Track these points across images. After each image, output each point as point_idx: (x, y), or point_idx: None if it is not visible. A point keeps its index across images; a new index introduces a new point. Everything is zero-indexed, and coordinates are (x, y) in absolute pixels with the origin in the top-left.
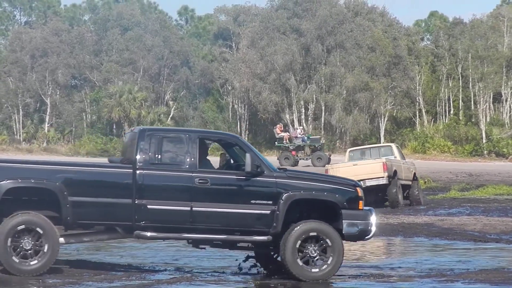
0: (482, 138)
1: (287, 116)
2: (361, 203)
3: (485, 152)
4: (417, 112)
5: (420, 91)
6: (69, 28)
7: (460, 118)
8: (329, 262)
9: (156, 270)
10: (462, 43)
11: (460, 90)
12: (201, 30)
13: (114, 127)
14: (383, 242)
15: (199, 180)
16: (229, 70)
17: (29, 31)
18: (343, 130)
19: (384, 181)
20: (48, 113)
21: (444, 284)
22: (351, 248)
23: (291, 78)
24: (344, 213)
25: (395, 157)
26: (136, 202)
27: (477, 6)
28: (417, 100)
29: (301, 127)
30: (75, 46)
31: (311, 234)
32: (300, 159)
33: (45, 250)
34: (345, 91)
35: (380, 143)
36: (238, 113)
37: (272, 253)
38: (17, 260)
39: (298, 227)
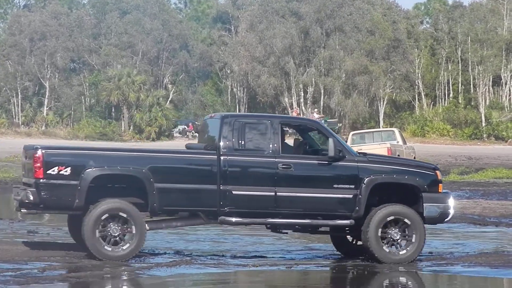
0: (481, 121)
1: (286, 99)
2: (440, 186)
3: (485, 135)
4: (416, 96)
5: (419, 74)
6: (68, 12)
7: (460, 101)
8: (411, 244)
9: (155, 253)
10: (462, 26)
11: (460, 73)
12: (200, 14)
13: (113, 110)
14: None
15: (283, 165)
16: (228, 54)
17: (28, 14)
18: (342, 113)
19: None
20: (47, 96)
21: (444, 267)
22: None
23: (290, 61)
24: (425, 196)
25: (397, 141)
26: (221, 188)
27: None
28: (416, 83)
29: (317, 110)
30: (74, 30)
31: (394, 217)
32: None
33: (133, 236)
34: (344, 75)
35: (379, 126)
36: (237, 96)
37: (348, 236)
38: (105, 246)
39: (381, 211)
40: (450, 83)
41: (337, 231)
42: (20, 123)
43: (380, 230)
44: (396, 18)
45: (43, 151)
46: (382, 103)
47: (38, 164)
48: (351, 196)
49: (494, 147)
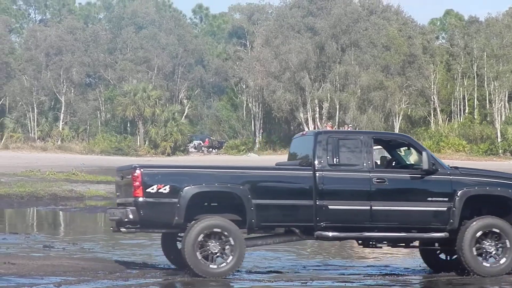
0: (497, 137)
1: (301, 114)
2: None
3: (500, 151)
4: (432, 111)
5: (435, 89)
6: (84, 26)
7: (475, 117)
8: (507, 255)
9: (171, 268)
10: (478, 41)
11: (475, 89)
12: (216, 29)
13: (128, 125)
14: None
15: (377, 179)
16: (244, 69)
17: (44, 29)
18: (357, 128)
19: None
20: (62, 111)
21: (460, 280)
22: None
23: (305, 76)
24: None
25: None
26: (317, 203)
27: (492, 4)
28: (432, 98)
29: (350, 125)
30: (89, 44)
31: (489, 229)
32: None
33: (233, 253)
34: (359, 90)
35: None
36: (252, 111)
37: (437, 251)
38: (205, 263)
39: (476, 223)
40: (466, 98)
41: (428, 245)
42: (36, 137)
43: (475, 242)
44: (412, 34)
45: (142, 170)
46: (397, 118)
47: (137, 183)
48: (445, 209)
49: (510, 163)
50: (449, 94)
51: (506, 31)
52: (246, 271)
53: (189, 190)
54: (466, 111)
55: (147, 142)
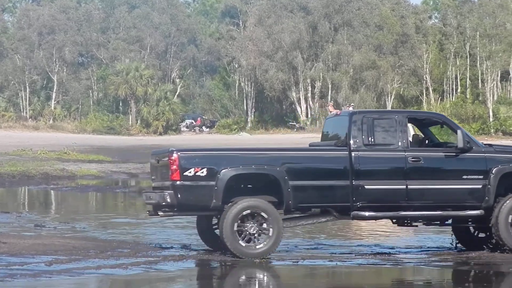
0: (489, 116)
1: (294, 94)
2: None
3: (492, 130)
4: (424, 91)
5: (427, 69)
6: (77, 6)
7: (467, 96)
8: None
9: (162, 247)
10: (470, 21)
11: (468, 68)
12: (208, 8)
13: (121, 104)
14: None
15: (412, 158)
16: (236, 48)
17: (37, 8)
18: (356, 108)
19: None
20: (54, 90)
21: (450, 262)
22: (356, 227)
23: (298, 56)
24: None
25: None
26: (353, 183)
27: None
28: (424, 78)
29: (353, 104)
30: (82, 24)
31: None
32: None
33: (271, 234)
34: (352, 69)
35: None
36: (244, 91)
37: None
38: (243, 244)
39: (509, 201)
40: (458, 78)
41: (462, 223)
42: (28, 116)
43: (510, 220)
44: (405, 13)
45: (179, 153)
46: (389, 98)
47: (175, 167)
48: (480, 186)
49: (501, 142)
50: (442, 73)
51: (499, 11)
52: None
53: (226, 173)
54: (458, 90)
55: (139, 121)
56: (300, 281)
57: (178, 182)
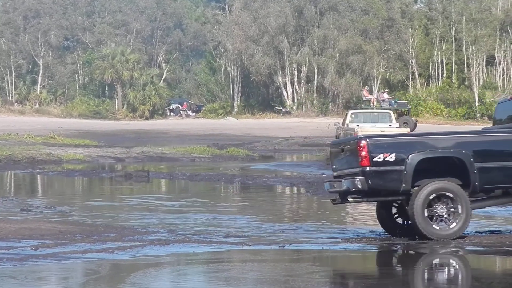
0: (475, 101)
1: (280, 78)
2: None
3: (478, 115)
4: (410, 75)
5: (413, 54)
6: None
7: (453, 81)
8: None
9: (149, 231)
10: (456, 5)
11: (453, 53)
12: None
13: (107, 89)
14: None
15: None
16: (222, 33)
17: None
18: (335, 93)
19: None
20: (40, 74)
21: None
22: (343, 212)
23: (284, 40)
24: None
25: (390, 124)
26: None
27: None
28: (410, 63)
29: (387, 90)
30: (67, 7)
31: None
32: None
33: (461, 213)
34: (338, 54)
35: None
36: (230, 75)
37: None
38: (436, 227)
39: None
40: (444, 62)
41: None
42: (13, 101)
43: None
44: None
45: (368, 140)
46: (375, 82)
47: (364, 153)
48: None
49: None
50: (427, 58)
51: None
52: (224, 235)
53: (414, 157)
54: (444, 75)
55: (125, 106)
56: (289, 266)
57: (368, 168)
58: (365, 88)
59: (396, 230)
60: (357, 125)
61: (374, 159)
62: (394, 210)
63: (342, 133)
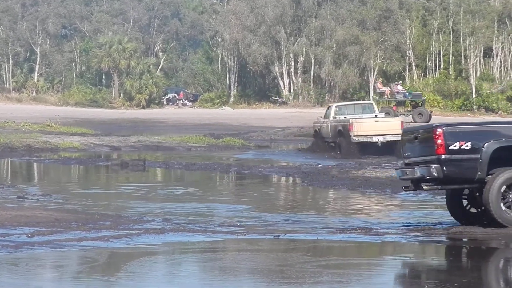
0: (472, 92)
1: (277, 68)
2: None
3: (475, 107)
4: (407, 66)
5: (410, 45)
6: None
7: (450, 72)
8: None
9: (144, 220)
10: None
11: (451, 44)
12: None
13: (104, 77)
14: (371, 196)
15: None
16: (219, 22)
17: None
18: (332, 83)
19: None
20: (38, 62)
21: (432, 237)
22: (338, 203)
23: (281, 30)
24: None
25: (376, 114)
26: None
27: None
28: (407, 54)
29: (400, 82)
30: None
31: None
32: (400, 114)
33: None
34: (335, 45)
35: (369, 97)
36: (227, 65)
37: None
38: (508, 213)
39: None
40: (441, 54)
41: None
42: (11, 89)
43: None
44: None
45: (444, 128)
46: (372, 73)
47: (440, 141)
48: None
49: (484, 119)
50: (425, 49)
51: None
52: (219, 224)
53: (490, 146)
54: (441, 66)
55: (122, 95)
56: (281, 255)
57: (443, 156)
58: (379, 80)
59: (466, 218)
60: (344, 117)
61: (450, 147)
62: (464, 200)
63: (325, 126)
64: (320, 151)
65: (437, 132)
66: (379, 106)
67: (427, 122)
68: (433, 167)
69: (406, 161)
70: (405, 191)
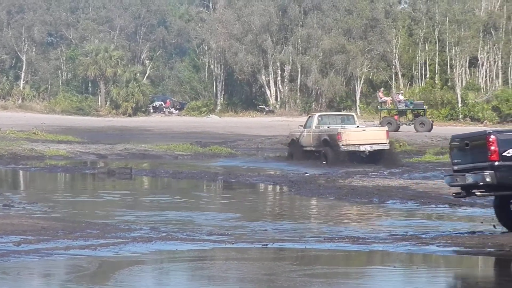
0: (457, 102)
1: (263, 77)
2: None
3: (461, 116)
4: (393, 75)
5: (396, 54)
6: None
7: (436, 82)
8: None
9: (131, 228)
10: (440, 6)
11: (437, 54)
12: None
13: (90, 85)
14: (358, 205)
15: None
16: (206, 30)
17: None
18: (319, 92)
19: (387, 147)
20: (23, 70)
21: (419, 247)
22: (326, 212)
23: (267, 39)
24: None
25: (357, 125)
26: None
27: None
28: (394, 63)
29: (402, 92)
30: (51, 3)
31: None
32: (402, 124)
33: None
34: (321, 53)
35: (355, 106)
36: (214, 73)
37: None
38: None
39: None
40: (427, 63)
41: None
42: None
43: None
44: None
45: (497, 135)
46: (359, 82)
47: (493, 148)
48: None
49: (469, 128)
50: (411, 59)
51: None
52: (207, 233)
53: None
54: (427, 76)
55: (108, 103)
56: (269, 264)
57: (497, 163)
58: (381, 89)
59: None
60: (328, 127)
61: (503, 154)
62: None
63: (306, 135)
64: (297, 159)
65: (491, 139)
66: (380, 116)
67: (429, 131)
68: (486, 173)
69: (455, 167)
70: (455, 198)
